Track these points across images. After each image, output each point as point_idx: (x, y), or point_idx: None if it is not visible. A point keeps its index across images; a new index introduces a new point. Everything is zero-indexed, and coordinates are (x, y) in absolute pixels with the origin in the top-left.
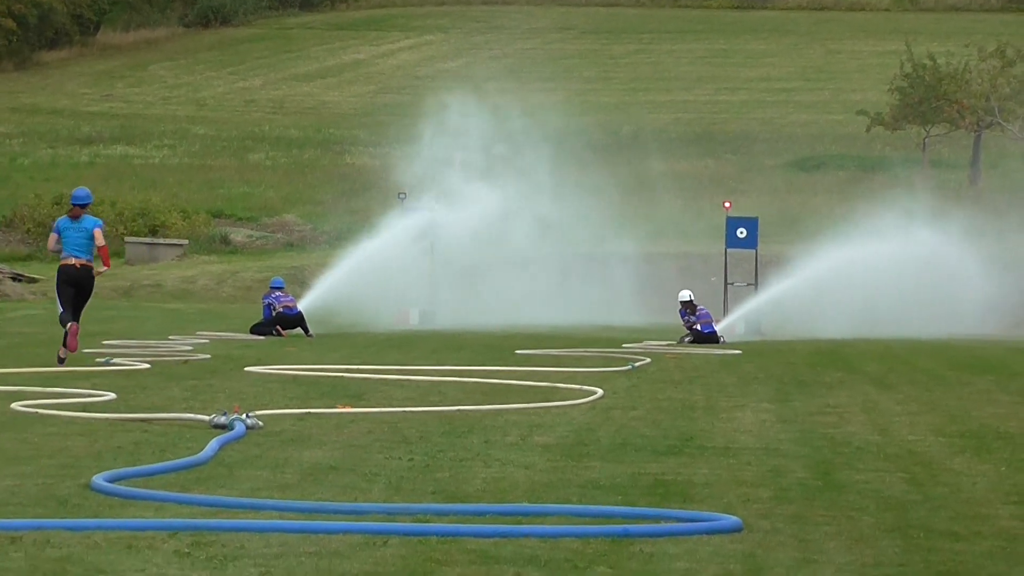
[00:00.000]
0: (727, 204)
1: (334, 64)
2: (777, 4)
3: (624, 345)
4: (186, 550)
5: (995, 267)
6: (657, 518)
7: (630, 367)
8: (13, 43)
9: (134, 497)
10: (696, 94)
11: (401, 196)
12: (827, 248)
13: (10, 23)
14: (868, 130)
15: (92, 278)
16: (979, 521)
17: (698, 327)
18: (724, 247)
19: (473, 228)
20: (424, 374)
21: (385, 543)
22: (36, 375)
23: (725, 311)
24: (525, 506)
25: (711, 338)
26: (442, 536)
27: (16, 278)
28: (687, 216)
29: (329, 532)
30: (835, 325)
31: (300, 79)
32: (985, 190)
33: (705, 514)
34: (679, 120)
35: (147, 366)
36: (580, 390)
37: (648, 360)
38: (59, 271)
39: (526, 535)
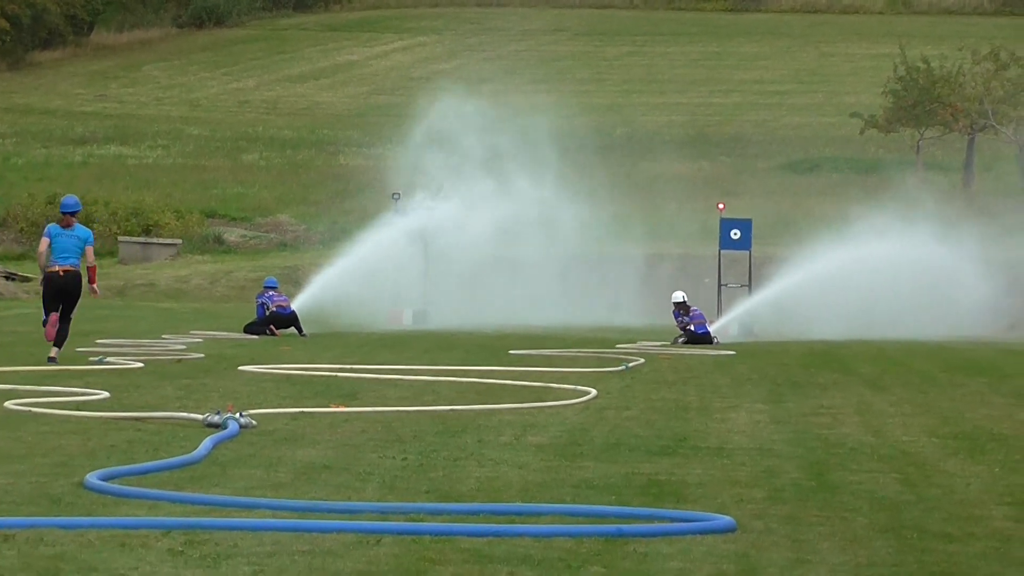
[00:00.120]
0: (721, 206)
1: (328, 65)
2: (770, 7)
3: (618, 346)
4: (179, 548)
5: (988, 269)
6: (651, 518)
7: (623, 367)
8: (7, 43)
9: (128, 495)
10: (690, 96)
11: (395, 196)
12: (821, 250)
13: (3, 23)
14: (862, 133)
15: (79, 283)
16: (972, 522)
17: (692, 328)
18: (718, 248)
19: (466, 229)
20: (418, 374)
21: (378, 542)
22: (30, 374)
23: (719, 312)
24: (519, 506)
25: (705, 339)
26: (436, 535)
27: (9, 277)
28: (681, 218)
29: (322, 531)
30: (829, 327)
31: (294, 80)
32: (979, 193)
33: (699, 514)
34: (673, 122)
35: (140, 365)
36: (574, 390)
37: (642, 361)
38: (44, 282)
39: (520, 535)
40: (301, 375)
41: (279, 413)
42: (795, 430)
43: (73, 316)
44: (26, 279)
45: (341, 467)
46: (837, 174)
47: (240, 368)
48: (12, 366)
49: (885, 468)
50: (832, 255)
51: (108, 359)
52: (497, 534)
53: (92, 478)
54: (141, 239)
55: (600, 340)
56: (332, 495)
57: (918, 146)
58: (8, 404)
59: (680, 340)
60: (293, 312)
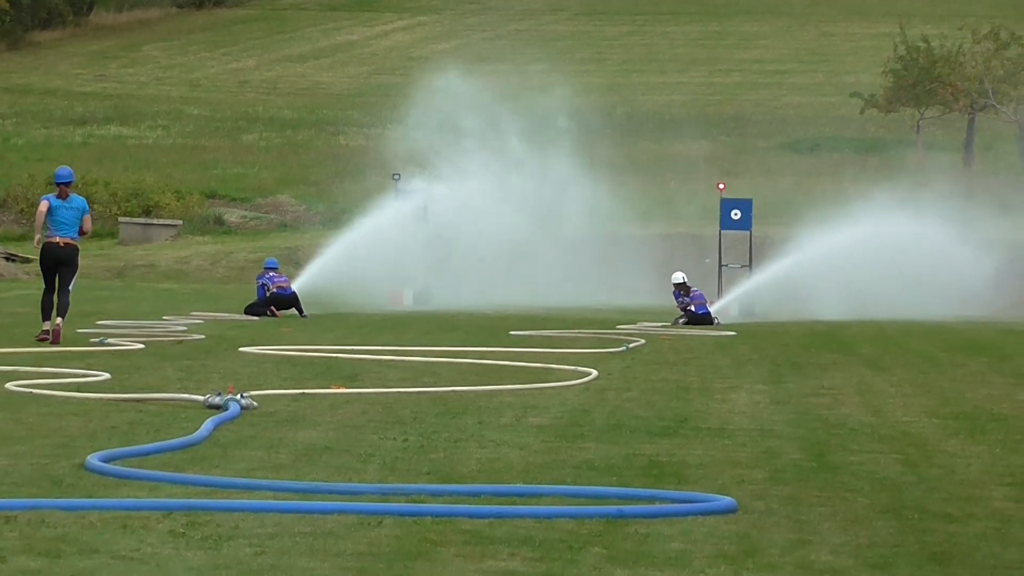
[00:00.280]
0: (721, 185)
1: (327, 45)
2: None
3: (618, 326)
4: (181, 530)
5: (989, 249)
6: (651, 499)
7: (624, 348)
8: (6, 23)
9: (128, 477)
10: (690, 76)
11: (396, 177)
12: (821, 230)
13: (3, 3)
14: (862, 112)
15: (76, 255)
16: (973, 502)
17: (692, 308)
18: (718, 228)
19: (467, 209)
20: (418, 355)
21: (379, 523)
22: (30, 355)
23: (719, 293)
24: (519, 487)
25: (705, 319)
26: (436, 517)
27: (9, 258)
28: (681, 198)
29: (323, 512)
30: (829, 307)
31: (294, 60)
32: (979, 172)
33: (699, 495)
34: (673, 102)
35: (141, 346)
36: (574, 371)
37: (643, 341)
38: (42, 251)
39: (520, 516)
40: (302, 356)
41: (280, 394)
42: (796, 411)
43: (72, 287)
44: (27, 260)
45: (342, 448)
46: (837, 154)
47: (241, 349)
48: (12, 347)
49: (885, 448)
50: (832, 235)
51: (109, 340)
52: (498, 515)
53: (93, 460)
54: (141, 220)
55: (601, 321)
56: (333, 476)
57: (918, 126)
58: (9, 385)
59: (681, 321)
60: (294, 293)
